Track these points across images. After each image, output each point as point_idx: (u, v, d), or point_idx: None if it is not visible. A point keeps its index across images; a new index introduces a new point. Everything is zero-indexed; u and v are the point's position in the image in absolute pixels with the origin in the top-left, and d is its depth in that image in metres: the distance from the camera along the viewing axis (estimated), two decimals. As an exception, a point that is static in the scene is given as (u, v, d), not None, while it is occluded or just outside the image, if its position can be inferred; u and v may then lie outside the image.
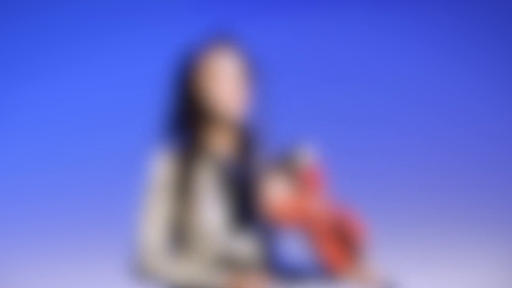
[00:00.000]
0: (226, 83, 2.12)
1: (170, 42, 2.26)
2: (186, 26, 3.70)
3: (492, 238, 4.02)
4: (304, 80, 4.01)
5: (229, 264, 2.05)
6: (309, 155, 2.06)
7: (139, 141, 2.18)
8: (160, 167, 2.10)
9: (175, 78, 2.16)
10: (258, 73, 2.18)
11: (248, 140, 2.16)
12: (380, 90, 3.94)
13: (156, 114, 2.17)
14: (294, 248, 2.10)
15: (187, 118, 2.15)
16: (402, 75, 3.95)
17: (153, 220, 2.08)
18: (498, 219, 4.07)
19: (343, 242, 2.01)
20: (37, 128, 4.27)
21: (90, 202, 4.16)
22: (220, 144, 2.14)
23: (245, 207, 2.09)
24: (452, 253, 4.05)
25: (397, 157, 4.11)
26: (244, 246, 2.07)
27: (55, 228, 4.12)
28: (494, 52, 4.00)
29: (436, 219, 4.11)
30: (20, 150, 4.26)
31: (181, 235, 2.07)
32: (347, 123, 3.90)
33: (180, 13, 4.07)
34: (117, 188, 3.72)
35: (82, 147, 4.24)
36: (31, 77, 4.24)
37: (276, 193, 2.03)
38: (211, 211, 2.06)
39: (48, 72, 4.22)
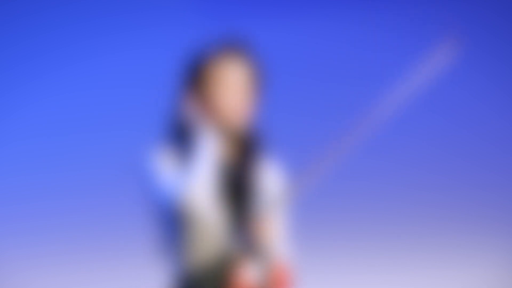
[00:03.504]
0: (231, 91, 2.11)
1: (176, 44, 2.26)
2: (192, 27, 3.70)
3: (492, 238, 4.03)
4: (305, 80, 4.01)
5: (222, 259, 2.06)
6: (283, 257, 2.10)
7: (141, 141, 2.18)
8: (160, 163, 2.10)
9: (180, 83, 2.16)
10: (264, 79, 2.17)
11: (250, 147, 2.16)
12: (379, 90, 3.94)
13: (159, 116, 2.17)
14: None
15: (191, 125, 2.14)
16: (402, 75, 3.95)
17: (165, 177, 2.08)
18: (498, 219, 4.07)
19: None
20: (37, 128, 4.27)
21: (90, 202, 4.16)
22: (222, 150, 2.14)
23: (242, 210, 2.09)
24: (452, 253, 4.06)
25: (397, 157, 4.11)
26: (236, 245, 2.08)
27: (55, 228, 4.12)
28: (495, 52, 4.00)
29: (436, 219, 4.11)
30: (20, 150, 4.26)
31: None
32: (346, 122, 3.89)
33: (187, 14, 4.07)
34: (117, 188, 3.72)
35: (82, 147, 4.24)
36: (31, 77, 4.24)
37: (246, 279, 2.05)
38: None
39: (48, 72, 4.23)
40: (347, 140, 2.07)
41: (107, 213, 4.06)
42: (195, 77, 2.14)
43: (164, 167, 2.08)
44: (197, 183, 2.04)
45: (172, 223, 2.07)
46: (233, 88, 2.11)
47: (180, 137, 2.14)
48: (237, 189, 2.11)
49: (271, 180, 2.16)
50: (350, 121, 2.12)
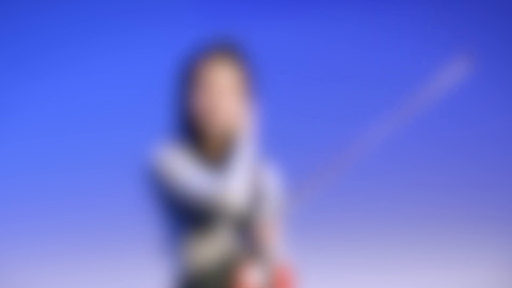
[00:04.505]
0: (220, 94, 2.10)
1: (175, 44, 2.26)
2: (192, 27, 3.70)
3: (492, 238, 4.03)
4: (305, 80, 4.01)
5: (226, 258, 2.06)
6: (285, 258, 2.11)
7: (141, 141, 2.18)
8: (172, 155, 2.08)
9: (173, 87, 2.15)
10: (257, 81, 2.16)
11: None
12: (380, 90, 3.94)
13: (162, 117, 2.16)
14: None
15: (186, 127, 2.13)
16: (402, 75, 3.95)
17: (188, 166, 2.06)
18: (498, 219, 4.07)
19: None
20: (37, 128, 4.27)
21: (90, 202, 4.16)
22: (216, 152, 2.13)
23: (244, 212, 2.09)
24: (452, 253, 4.06)
25: (398, 157, 4.11)
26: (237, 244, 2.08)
27: (55, 228, 4.12)
28: (495, 52, 3.99)
29: (436, 219, 4.11)
30: (20, 150, 4.26)
31: None
32: (346, 122, 3.90)
33: (187, 14, 4.07)
34: (117, 188, 3.72)
35: (82, 147, 4.25)
36: (31, 77, 4.24)
37: (251, 280, 2.05)
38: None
39: (48, 72, 4.23)
40: (351, 151, 2.07)
41: (107, 213, 4.07)
42: (188, 79, 2.13)
43: (186, 165, 2.07)
44: (238, 182, 2.03)
45: (183, 222, 2.06)
46: (223, 91, 2.10)
47: (187, 136, 2.14)
48: None
49: (271, 181, 2.16)
50: (355, 130, 2.11)
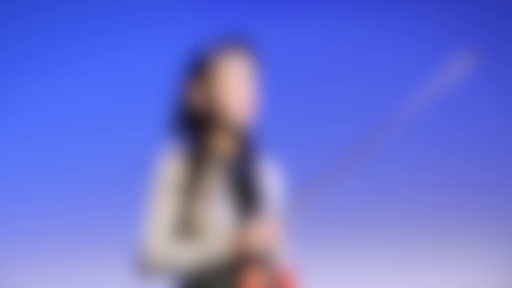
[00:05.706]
0: (237, 86, 2.12)
1: (180, 42, 2.26)
2: (192, 27, 3.70)
3: (492, 238, 4.03)
4: (306, 80, 4.01)
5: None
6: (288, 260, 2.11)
7: (142, 142, 2.18)
8: (167, 167, 2.09)
9: (185, 78, 2.16)
10: (264, 75, 2.18)
11: (250, 142, 2.16)
12: (380, 90, 3.95)
13: (163, 114, 2.17)
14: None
15: (195, 119, 2.14)
16: (402, 75, 3.95)
17: (159, 217, 2.07)
18: (498, 219, 4.08)
19: None
20: (37, 128, 4.27)
21: (90, 202, 4.16)
22: (225, 144, 2.14)
23: (248, 206, 2.09)
24: (452, 253, 4.06)
25: (398, 157, 4.11)
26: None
27: (55, 228, 4.12)
28: (495, 52, 3.99)
29: (436, 219, 4.11)
30: (20, 150, 4.26)
31: (188, 233, 2.06)
32: (346, 122, 3.90)
33: (187, 14, 4.08)
34: (117, 188, 3.72)
35: (82, 147, 4.24)
36: (31, 77, 4.24)
37: (255, 282, 2.05)
38: (221, 210, 2.06)
39: (48, 72, 4.23)
40: (355, 152, 2.07)
41: (107, 213, 4.06)
42: (200, 71, 2.14)
43: (164, 191, 2.08)
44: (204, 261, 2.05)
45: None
46: (239, 81, 2.12)
47: (186, 134, 2.15)
48: (241, 184, 2.11)
49: (273, 179, 2.17)
50: (356, 131, 2.12)
